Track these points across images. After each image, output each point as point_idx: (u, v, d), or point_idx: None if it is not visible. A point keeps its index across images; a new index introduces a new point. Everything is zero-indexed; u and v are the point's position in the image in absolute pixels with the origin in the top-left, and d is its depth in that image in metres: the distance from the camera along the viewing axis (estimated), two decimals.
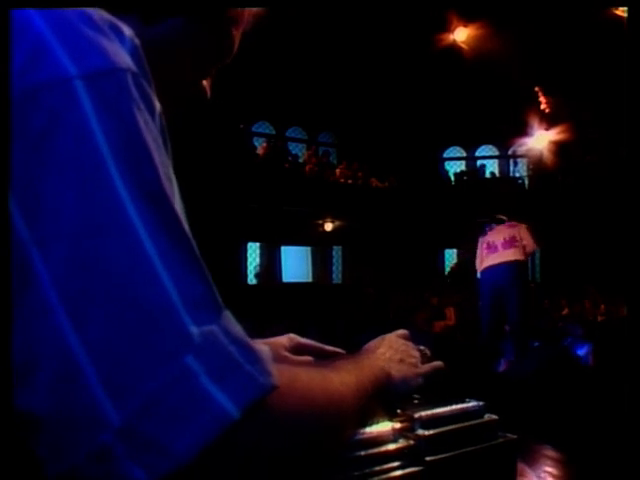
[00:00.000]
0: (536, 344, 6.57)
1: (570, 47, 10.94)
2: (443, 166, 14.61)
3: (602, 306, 7.89)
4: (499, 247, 5.94)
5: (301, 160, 12.82)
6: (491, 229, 6.22)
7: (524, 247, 5.93)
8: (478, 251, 6.26)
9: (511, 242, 5.89)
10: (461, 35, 10.06)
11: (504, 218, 6.50)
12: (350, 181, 12.39)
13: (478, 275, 6.28)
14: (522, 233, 6.00)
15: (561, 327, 6.97)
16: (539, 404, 3.81)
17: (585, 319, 7.32)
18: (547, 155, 12.84)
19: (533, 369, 4.07)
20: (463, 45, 10.22)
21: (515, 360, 5.01)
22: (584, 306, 7.96)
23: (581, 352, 6.26)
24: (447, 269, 14.19)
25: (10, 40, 0.44)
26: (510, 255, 5.84)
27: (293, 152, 13.21)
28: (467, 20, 10.04)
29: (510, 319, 5.85)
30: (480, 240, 6.28)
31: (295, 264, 12.74)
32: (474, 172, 14.13)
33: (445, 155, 14.75)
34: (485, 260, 6.05)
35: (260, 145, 12.25)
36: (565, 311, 7.91)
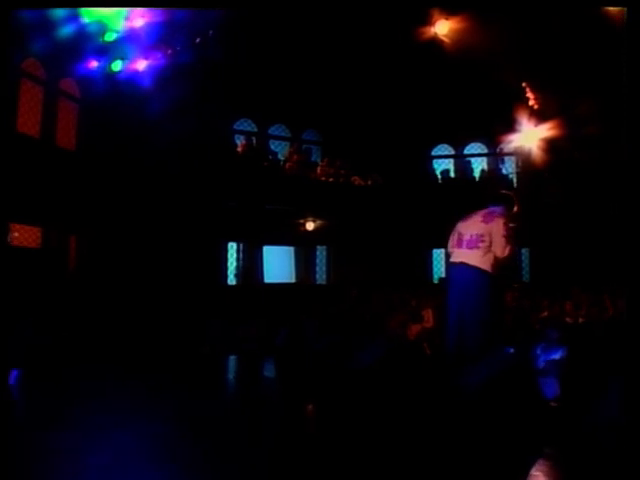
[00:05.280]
0: (511, 350, 6.26)
1: (558, 39, 10.63)
2: (431, 164, 14.31)
3: (584, 308, 7.58)
4: (464, 243, 5.15)
5: (281, 157, 12.54)
6: (476, 212, 5.30)
7: (493, 252, 5.03)
8: (454, 230, 5.40)
9: (476, 241, 5.03)
10: (442, 28, 9.75)
11: (509, 194, 5.60)
12: (332, 179, 12.09)
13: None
14: (495, 231, 5.03)
15: (538, 330, 6.67)
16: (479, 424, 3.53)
17: (564, 322, 7.01)
18: (536, 152, 12.54)
19: (478, 382, 3.77)
20: (445, 39, 9.92)
21: (465, 372, 4.52)
22: (564, 308, 7.64)
23: (555, 356, 5.98)
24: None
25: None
26: (472, 258, 5.02)
27: (276, 150, 12.95)
28: (448, 13, 9.74)
29: (467, 335, 4.94)
30: (461, 219, 5.39)
31: (278, 264, 12.45)
32: (461, 170, 13.84)
33: (433, 153, 14.45)
34: (454, 253, 5.30)
35: (240, 143, 11.98)
36: (545, 313, 7.59)
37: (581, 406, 4.17)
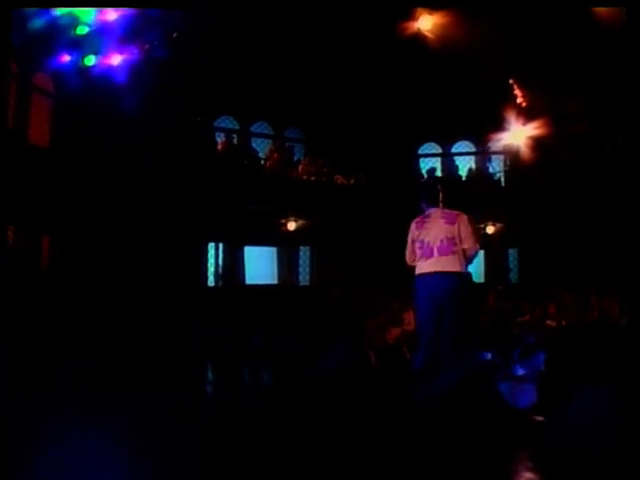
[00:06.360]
0: (488, 355, 6.01)
1: (545, 35, 10.40)
2: (418, 163, 14.09)
3: (567, 310, 7.36)
4: (434, 251, 4.77)
5: (262, 155, 12.29)
6: (427, 215, 4.92)
7: (464, 251, 4.79)
8: (409, 240, 4.95)
9: (449, 245, 4.74)
10: (426, 23, 9.51)
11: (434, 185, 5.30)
12: (314, 178, 11.85)
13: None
14: (462, 230, 4.80)
15: (516, 334, 6.45)
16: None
17: (545, 325, 6.79)
18: (524, 150, 12.33)
19: (447, 388, 3.53)
20: (428, 34, 9.69)
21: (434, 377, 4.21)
22: (547, 311, 7.40)
23: (533, 362, 5.74)
24: None
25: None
26: (447, 264, 4.73)
27: (258, 148, 12.70)
28: (432, 8, 9.50)
29: (442, 342, 4.65)
30: (413, 226, 4.97)
31: (259, 265, 12.19)
32: (448, 169, 13.64)
33: (420, 151, 14.23)
34: (419, 264, 4.88)
35: (220, 140, 11.73)
36: (526, 317, 7.36)
37: (560, 412, 3.95)
